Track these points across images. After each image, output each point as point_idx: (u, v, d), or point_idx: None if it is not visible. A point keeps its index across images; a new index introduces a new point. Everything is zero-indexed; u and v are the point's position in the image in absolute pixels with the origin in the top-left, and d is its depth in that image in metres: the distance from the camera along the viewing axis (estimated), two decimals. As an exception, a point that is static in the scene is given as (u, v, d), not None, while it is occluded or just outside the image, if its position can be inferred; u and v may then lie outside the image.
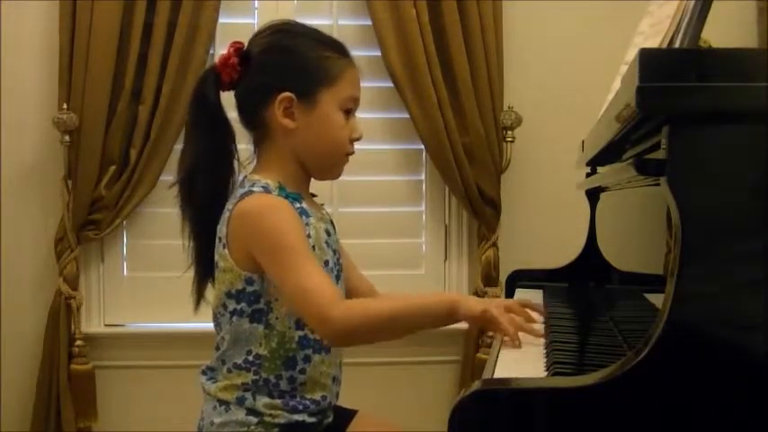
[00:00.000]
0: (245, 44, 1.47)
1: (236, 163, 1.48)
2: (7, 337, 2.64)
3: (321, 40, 1.48)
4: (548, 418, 0.96)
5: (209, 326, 1.47)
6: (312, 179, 1.52)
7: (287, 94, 1.42)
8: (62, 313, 2.57)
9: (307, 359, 1.42)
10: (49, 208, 2.62)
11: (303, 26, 1.52)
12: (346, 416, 1.56)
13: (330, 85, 1.44)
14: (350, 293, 1.55)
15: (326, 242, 1.46)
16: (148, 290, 2.69)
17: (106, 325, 2.71)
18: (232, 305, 1.41)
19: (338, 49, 1.48)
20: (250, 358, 1.41)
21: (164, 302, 2.66)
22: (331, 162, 1.49)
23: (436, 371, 2.72)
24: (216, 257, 1.43)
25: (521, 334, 1.30)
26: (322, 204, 1.56)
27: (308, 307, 1.32)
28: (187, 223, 1.47)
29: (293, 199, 1.42)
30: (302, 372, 1.42)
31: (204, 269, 1.48)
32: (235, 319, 1.41)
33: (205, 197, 1.45)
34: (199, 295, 1.50)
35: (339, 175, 1.52)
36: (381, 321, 1.33)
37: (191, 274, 1.51)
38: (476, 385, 0.98)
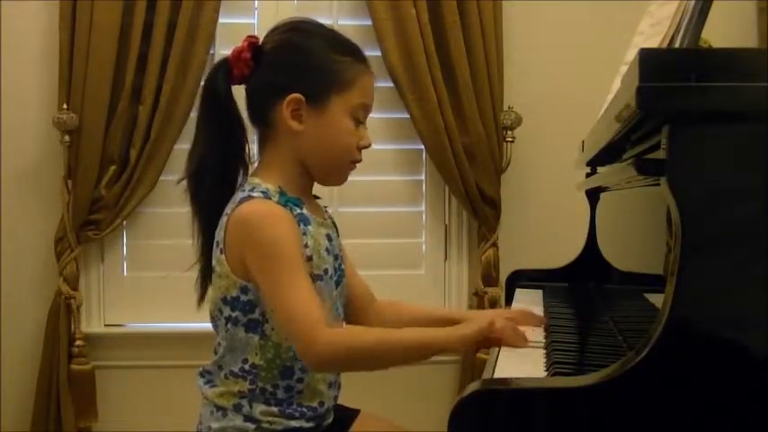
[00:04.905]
0: (261, 39, 1.42)
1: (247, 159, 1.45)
2: (7, 337, 2.64)
3: (337, 43, 1.42)
4: (548, 418, 0.96)
5: (210, 326, 1.46)
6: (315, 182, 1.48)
7: (296, 95, 1.37)
8: (62, 313, 2.57)
9: (304, 369, 1.39)
10: (49, 208, 2.62)
11: (321, 26, 1.46)
12: (348, 415, 1.55)
13: (342, 91, 1.38)
14: (347, 298, 1.53)
15: (327, 249, 1.42)
16: (148, 290, 2.69)
17: (106, 325, 2.71)
18: (227, 311, 1.38)
19: (354, 53, 1.42)
20: (246, 367, 1.38)
21: (164, 302, 2.66)
22: (335, 168, 1.44)
23: (436, 371, 2.72)
24: (213, 261, 1.40)
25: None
26: (326, 207, 1.53)
27: (293, 328, 1.29)
28: (194, 218, 1.44)
29: (293, 204, 1.38)
30: (299, 381, 1.40)
31: (209, 265, 1.44)
32: (230, 326, 1.38)
33: (212, 194, 1.41)
34: (203, 290, 1.47)
35: (344, 181, 1.48)
36: (365, 353, 1.31)
37: (191, 274, 1.49)
38: (476, 385, 0.98)
